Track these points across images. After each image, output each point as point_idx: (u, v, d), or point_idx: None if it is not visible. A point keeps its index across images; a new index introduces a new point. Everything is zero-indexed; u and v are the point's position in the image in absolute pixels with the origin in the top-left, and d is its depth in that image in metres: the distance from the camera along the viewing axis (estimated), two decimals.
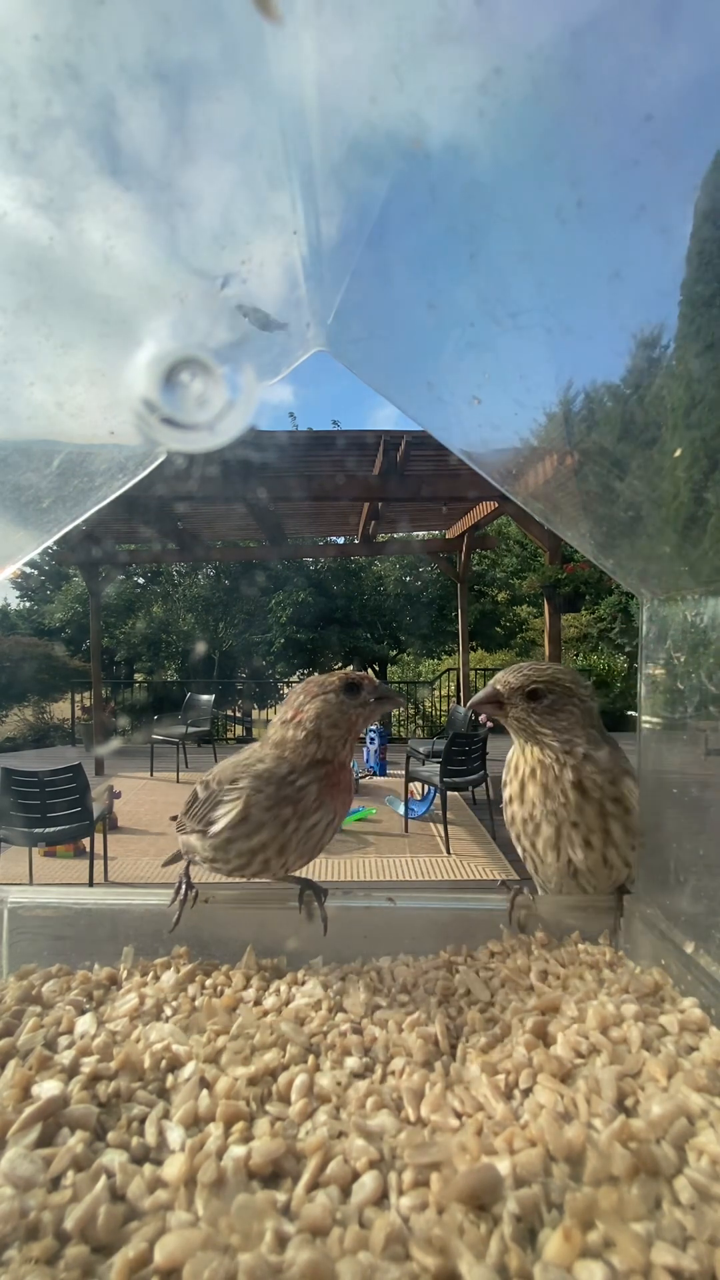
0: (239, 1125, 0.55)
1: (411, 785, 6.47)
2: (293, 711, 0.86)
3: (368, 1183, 0.50)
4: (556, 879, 0.93)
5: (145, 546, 10.08)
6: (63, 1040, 0.67)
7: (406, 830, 6.09)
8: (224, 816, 0.83)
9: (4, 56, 0.44)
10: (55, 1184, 0.50)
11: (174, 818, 0.98)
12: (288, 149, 0.55)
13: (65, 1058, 0.62)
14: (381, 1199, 0.49)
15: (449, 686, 12.76)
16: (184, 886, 0.90)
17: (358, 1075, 0.63)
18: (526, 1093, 0.60)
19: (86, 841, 4.78)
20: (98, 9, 0.43)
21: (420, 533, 10.81)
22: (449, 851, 5.55)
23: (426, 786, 6.37)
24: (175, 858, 1.01)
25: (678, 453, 0.69)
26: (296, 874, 0.93)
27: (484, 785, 6.46)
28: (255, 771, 0.84)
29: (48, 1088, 0.58)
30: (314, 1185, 0.50)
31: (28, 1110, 0.55)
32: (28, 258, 0.55)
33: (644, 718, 0.94)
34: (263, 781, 0.83)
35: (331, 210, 0.61)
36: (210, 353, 0.58)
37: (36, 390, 0.66)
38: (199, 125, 0.51)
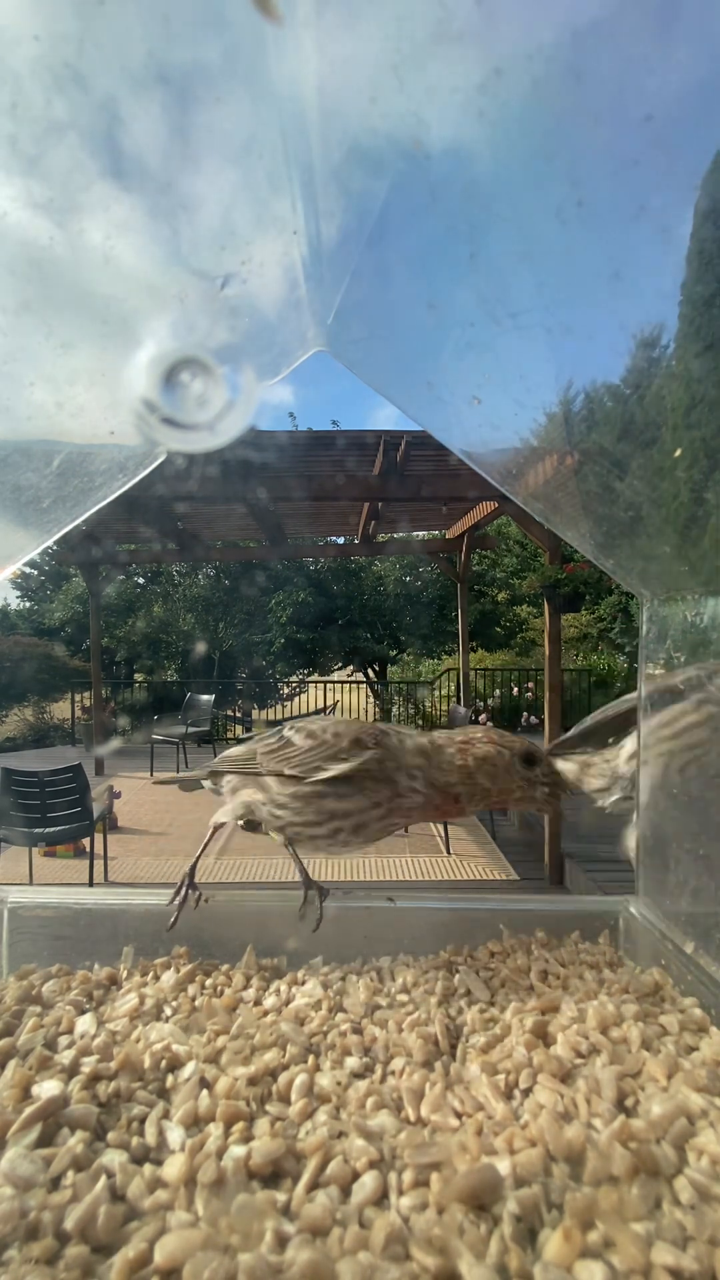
0: (239, 1125, 0.55)
1: None
2: (464, 737, 0.84)
3: (368, 1183, 0.50)
4: None
5: (145, 546, 10.07)
6: (63, 1040, 0.67)
7: (407, 830, 6.09)
8: (334, 768, 0.81)
9: (2, 56, 0.44)
10: (55, 1184, 0.50)
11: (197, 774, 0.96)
12: (288, 151, 0.55)
13: (65, 1058, 0.63)
14: (381, 1199, 0.49)
15: (449, 686, 12.76)
16: (185, 887, 0.90)
17: (358, 1075, 0.63)
18: (526, 1093, 0.60)
19: (86, 841, 4.78)
20: (98, 9, 0.43)
21: (420, 533, 10.80)
22: (449, 851, 5.55)
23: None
24: (181, 780, 1.00)
25: (678, 453, 0.69)
26: (306, 869, 0.93)
27: None
28: (390, 744, 0.82)
29: (48, 1088, 0.58)
30: (314, 1185, 0.50)
31: (28, 1110, 0.55)
32: (28, 258, 0.55)
33: (644, 718, 0.94)
34: (388, 754, 0.81)
35: (332, 211, 0.61)
36: (210, 353, 0.58)
37: (36, 390, 0.66)
38: (201, 129, 0.51)
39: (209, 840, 0.94)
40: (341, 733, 0.84)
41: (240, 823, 0.92)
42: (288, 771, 0.84)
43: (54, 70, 0.45)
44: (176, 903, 0.88)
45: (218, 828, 0.93)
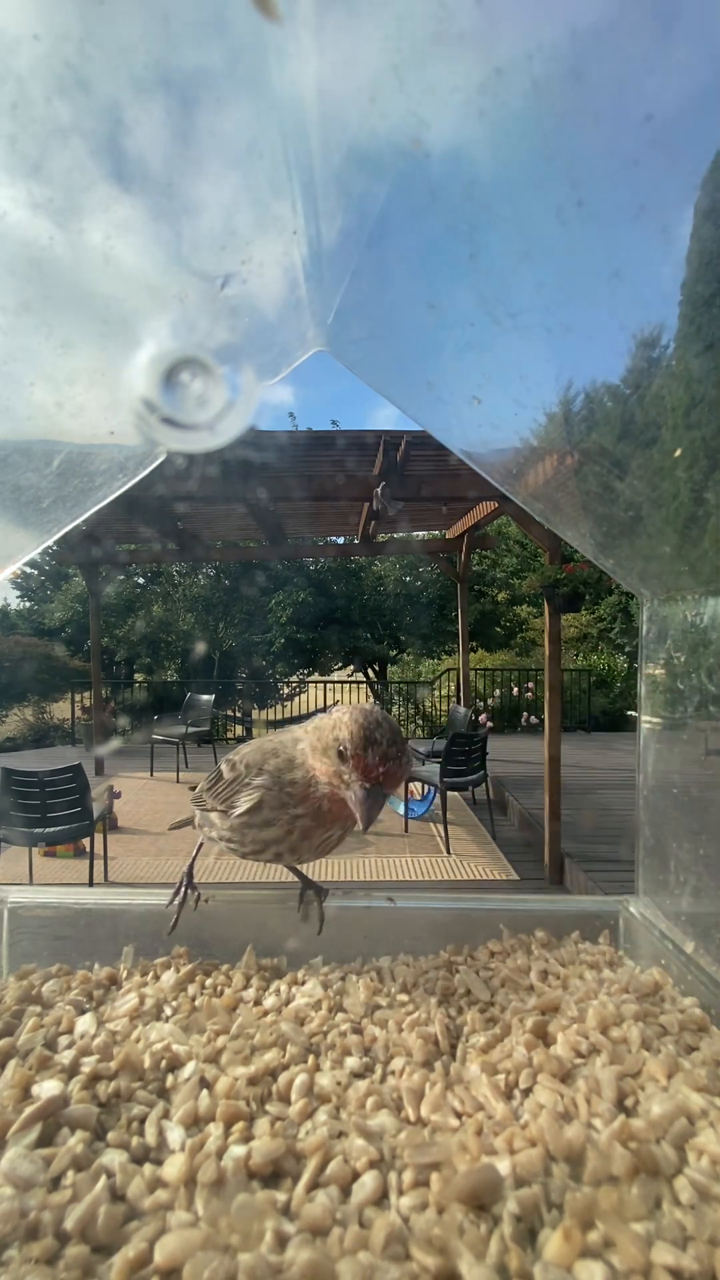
0: (239, 1125, 0.55)
1: (411, 785, 6.46)
2: (314, 725, 0.80)
3: (368, 1183, 0.50)
4: None
5: (145, 546, 10.07)
6: (63, 1040, 0.67)
7: (406, 830, 6.09)
8: (243, 804, 0.80)
9: (2, 56, 0.44)
10: (55, 1184, 0.50)
11: (192, 787, 0.96)
12: (288, 152, 0.55)
13: (65, 1057, 0.63)
14: (381, 1199, 0.49)
15: (449, 686, 12.76)
16: (184, 887, 0.90)
17: (358, 1075, 0.63)
18: (526, 1093, 0.60)
19: (86, 841, 4.78)
20: (98, 8, 0.43)
21: (420, 533, 10.80)
22: (449, 851, 5.55)
23: (426, 786, 6.37)
24: (184, 823, 1.00)
25: (678, 453, 0.69)
26: (303, 871, 0.93)
27: (484, 785, 6.46)
28: (273, 767, 0.80)
29: (48, 1088, 0.58)
30: (314, 1185, 0.50)
31: (28, 1110, 0.55)
32: (28, 258, 0.55)
33: (644, 718, 0.94)
34: (272, 780, 0.79)
35: (332, 212, 0.61)
36: (210, 353, 0.58)
37: (36, 390, 0.66)
38: (203, 132, 0.51)
39: (202, 843, 0.94)
40: (251, 762, 0.81)
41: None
42: (219, 807, 0.84)
43: (55, 71, 0.45)
44: (176, 903, 0.88)
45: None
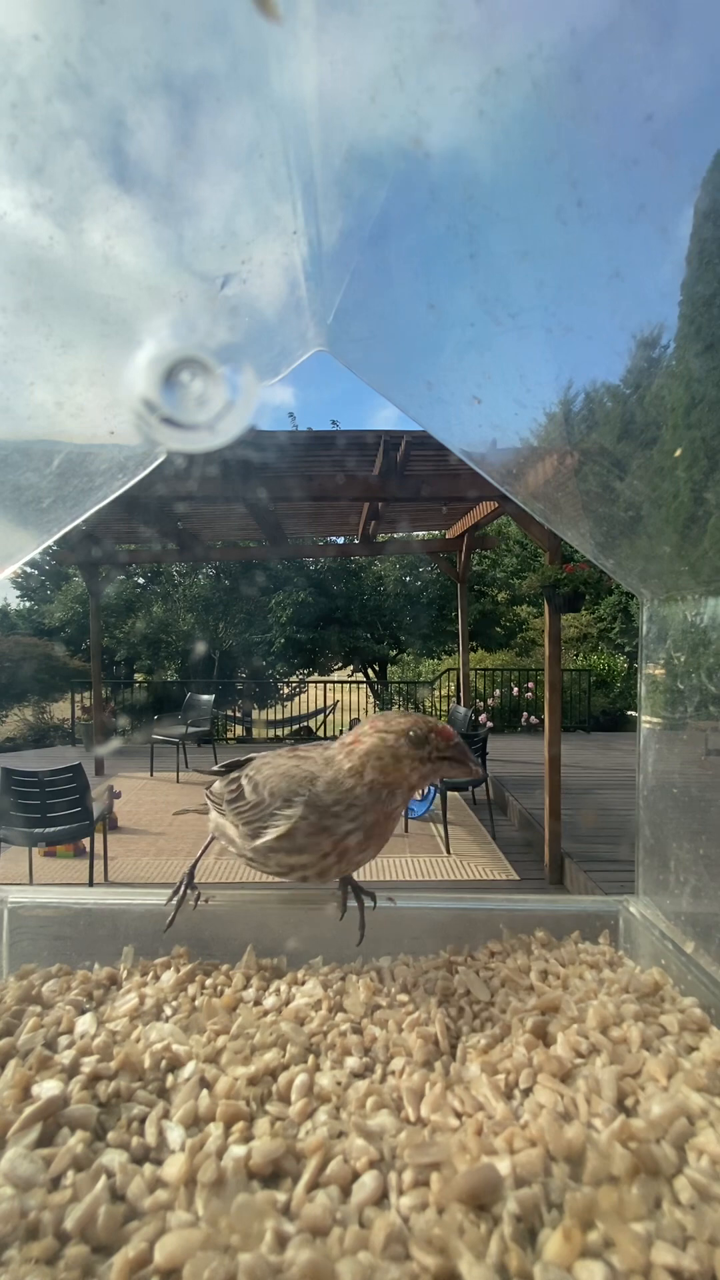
0: (239, 1125, 0.55)
1: None
2: (353, 737, 0.81)
3: (368, 1183, 0.50)
4: None
5: (145, 546, 10.08)
6: (63, 1040, 0.67)
7: (406, 830, 6.09)
8: (271, 832, 0.79)
9: (2, 55, 0.44)
10: (55, 1184, 0.50)
11: (216, 770, 0.96)
12: (289, 153, 0.55)
13: (65, 1057, 0.63)
14: (381, 1199, 0.49)
15: (449, 686, 12.76)
16: (184, 886, 0.89)
17: (358, 1075, 0.63)
18: (526, 1093, 0.60)
19: (86, 841, 4.78)
20: (98, 8, 0.43)
21: (420, 533, 10.81)
22: (449, 851, 5.56)
23: (426, 786, 6.37)
24: (192, 811, 0.99)
25: (678, 453, 0.69)
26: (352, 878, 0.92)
27: (484, 785, 6.46)
28: (308, 798, 0.78)
29: (48, 1088, 0.58)
30: (314, 1185, 0.50)
31: (28, 1110, 0.55)
32: (28, 258, 0.55)
33: (644, 718, 0.94)
34: (310, 809, 0.78)
35: (332, 212, 0.61)
36: (210, 353, 0.58)
37: (36, 390, 0.66)
38: (205, 135, 0.51)
39: (209, 843, 0.94)
40: (275, 791, 0.81)
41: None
42: (241, 827, 0.84)
43: (55, 72, 0.45)
44: (174, 902, 0.88)
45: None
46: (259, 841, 0.81)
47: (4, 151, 0.48)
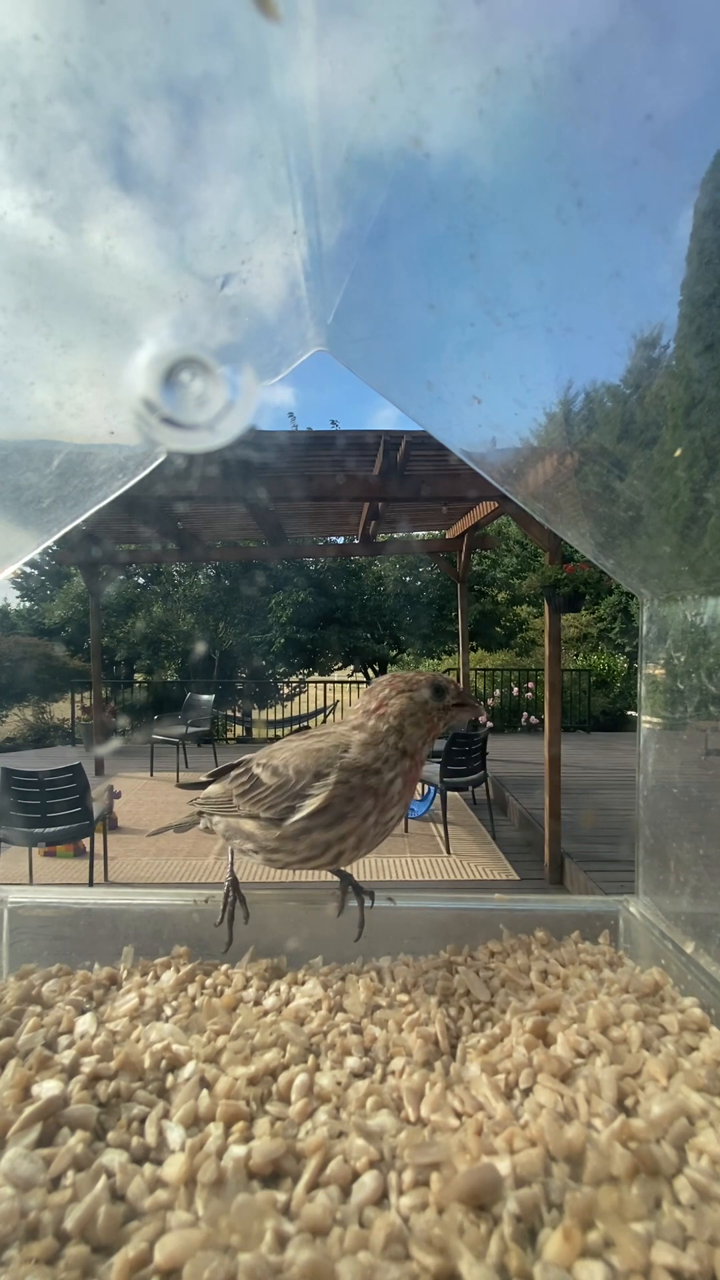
0: (239, 1125, 0.55)
1: None
2: (377, 703, 0.84)
3: (368, 1182, 0.50)
4: None
5: (145, 546, 10.07)
6: (63, 1040, 0.67)
7: (406, 830, 6.09)
8: (306, 807, 0.80)
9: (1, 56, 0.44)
10: (55, 1184, 0.50)
11: (190, 787, 0.96)
12: (290, 155, 0.55)
13: (65, 1057, 0.63)
14: (381, 1199, 0.49)
15: None
16: (230, 901, 0.88)
17: (358, 1075, 0.63)
18: (526, 1093, 0.60)
19: (86, 841, 4.78)
20: (98, 7, 0.43)
21: (420, 533, 10.81)
22: (449, 851, 5.55)
23: (426, 786, 6.37)
24: (185, 826, 0.99)
25: (678, 453, 0.69)
26: (347, 872, 0.93)
27: (484, 785, 6.47)
28: (344, 763, 0.80)
29: (48, 1088, 0.58)
30: (314, 1185, 0.50)
31: (28, 1110, 0.55)
32: (28, 258, 0.55)
33: (644, 718, 0.94)
34: (349, 772, 0.80)
35: (332, 213, 0.61)
36: (210, 353, 0.58)
37: (36, 390, 0.66)
38: (207, 138, 0.51)
39: (226, 848, 0.93)
40: (302, 768, 0.82)
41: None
42: (263, 815, 0.83)
43: (56, 72, 0.45)
44: (225, 920, 0.87)
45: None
46: (291, 820, 0.80)
47: (4, 152, 0.48)
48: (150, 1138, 0.55)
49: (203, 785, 0.98)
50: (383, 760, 0.81)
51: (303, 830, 0.80)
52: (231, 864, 0.92)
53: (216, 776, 0.95)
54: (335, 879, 0.93)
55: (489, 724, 8.47)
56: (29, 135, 0.47)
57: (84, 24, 0.43)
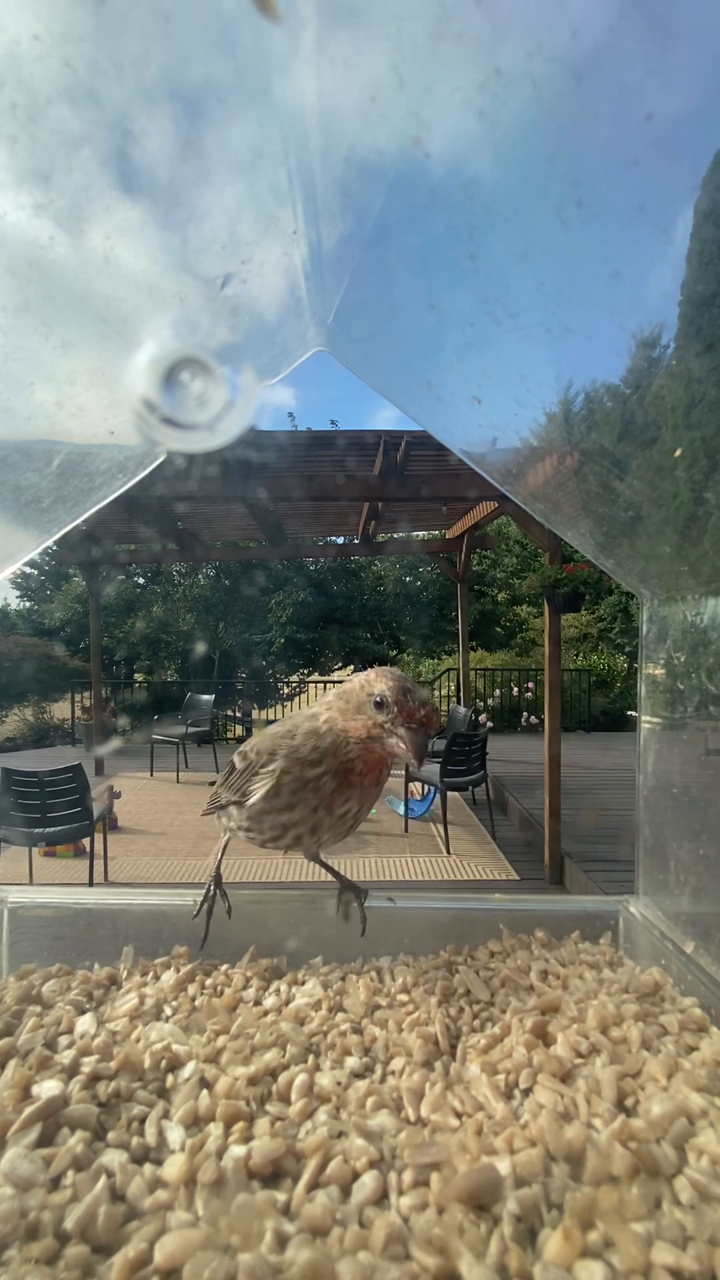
0: (239, 1125, 0.55)
1: (411, 785, 6.47)
2: (336, 693, 0.82)
3: (368, 1182, 0.50)
4: None
5: (145, 546, 10.07)
6: (63, 1040, 0.67)
7: (406, 830, 6.09)
8: (258, 790, 0.81)
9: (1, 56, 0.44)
10: (55, 1184, 0.50)
11: (211, 782, 0.96)
12: (290, 156, 0.55)
13: (65, 1057, 0.63)
14: (381, 1199, 0.49)
15: (449, 686, 12.75)
16: (211, 893, 0.88)
17: (358, 1075, 0.63)
18: (526, 1093, 0.60)
19: (86, 841, 4.78)
20: (98, 7, 0.43)
21: (420, 533, 10.81)
22: (449, 851, 5.55)
23: (426, 786, 6.37)
24: (213, 809, 1.01)
25: (678, 453, 0.69)
26: (339, 872, 0.93)
27: (484, 785, 6.46)
28: (287, 749, 0.80)
29: (48, 1088, 0.58)
30: (314, 1185, 0.50)
31: (28, 1110, 0.55)
32: (28, 258, 0.55)
33: (644, 718, 0.94)
34: (290, 761, 0.80)
35: (333, 213, 0.61)
36: (210, 353, 0.58)
37: (36, 390, 0.66)
38: (209, 142, 0.51)
39: (226, 843, 0.93)
40: (260, 749, 0.82)
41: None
42: (234, 798, 0.85)
43: (57, 74, 0.45)
44: (204, 912, 0.87)
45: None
46: (249, 803, 0.82)
47: (4, 153, 0.48)
48: (150, 1138, 0.55)
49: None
50: (318, 754, 0.79)
51: (263, 811, 0.82)
52: (218, 860, 0.93)
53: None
54: (336, 879, 0.93)
55: (489, 724, 8.47)
56: (30, 136, 0.47)
57: (85, 24, 0.43)
